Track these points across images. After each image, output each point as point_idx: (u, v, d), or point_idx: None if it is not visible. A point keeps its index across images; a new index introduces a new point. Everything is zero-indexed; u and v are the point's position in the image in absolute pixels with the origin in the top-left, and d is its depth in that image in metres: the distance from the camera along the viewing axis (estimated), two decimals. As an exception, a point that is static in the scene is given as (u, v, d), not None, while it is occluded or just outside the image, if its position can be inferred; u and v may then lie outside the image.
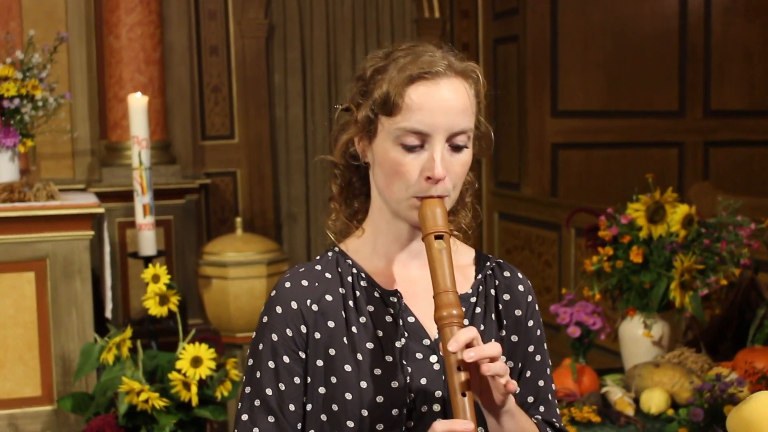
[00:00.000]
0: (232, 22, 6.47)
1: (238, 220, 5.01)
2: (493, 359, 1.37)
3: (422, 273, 1.52)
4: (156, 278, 3.51)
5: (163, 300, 3.47)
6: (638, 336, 3.32)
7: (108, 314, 4.38)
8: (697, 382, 3.05)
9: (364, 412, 1.48)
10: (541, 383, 1.63)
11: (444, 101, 1.47)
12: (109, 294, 4.44)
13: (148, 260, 4.44)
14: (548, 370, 1.65)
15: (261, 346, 1.54)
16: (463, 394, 1.35)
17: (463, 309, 1.56)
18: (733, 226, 3.31)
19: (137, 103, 4.39)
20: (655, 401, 3.05)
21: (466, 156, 1.51)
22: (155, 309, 3.46)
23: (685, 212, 3.25)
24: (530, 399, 1.62)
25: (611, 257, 3.33)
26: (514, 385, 1.37)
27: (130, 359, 3.36)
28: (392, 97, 1.47)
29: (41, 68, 4.28)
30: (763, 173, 6.73)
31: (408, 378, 1.50)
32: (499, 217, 6.77)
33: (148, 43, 5.73)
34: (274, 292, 1.56)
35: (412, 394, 1.50)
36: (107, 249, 4.52)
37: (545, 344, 1.66)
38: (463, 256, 1.65)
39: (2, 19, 5.74)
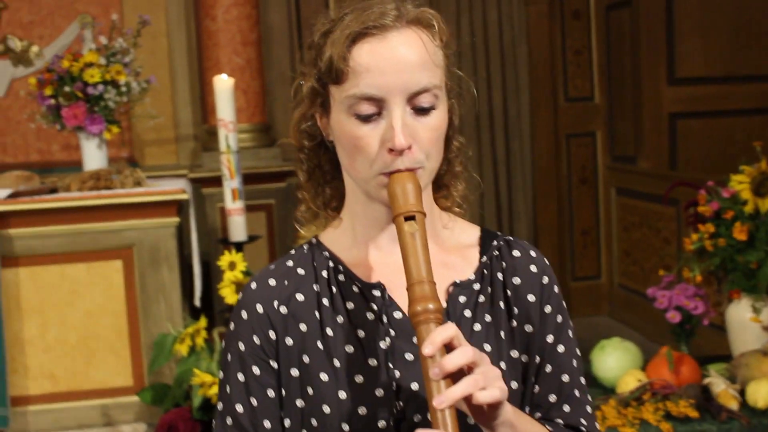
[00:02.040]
0: (331, -1, 6.32)
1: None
2: (471, 366, 1.16)
3: None
4: (232, 265, 3.40)
5: (240, 288, 3.36)
6: (746, 321, 3.02)
7: (197, 302, 4.32)
8: (811, 372, 2.74)
9: (345, 427, 1.30)
10: (565, 378, 1.40)
11: (395, 57, 1.26)
12: (197, 282, 4.38)
13: (239, 246, 4.34)
14: (575, 362, 1.42)
15: (229, 357, 1.37)
16: None
17: (464, 299, 1.36)
18: None
19: (223, 85, 4.29)
20: (762, 394, 2.75)
21: (435, 119, 1.30)
22: (231, 297, 3.35)
23: (795, 183, 2.93)
24: (552, 398, 1.40)
25: (713, 235, 3.03)
26: (487, 396, 1.15)
27: (206, 350, 3.27)
28: (335, 62, 1.27)
29: (125, 53, 4.23)
30: None
31: (395, 384, 1.31)
32: (616, 193, 6.44)
33: (245, 24, 5.64)
34: (240, 295, 1.39)
35: (401, 402, 1.30)
36: (194, 236, 4.45)
37: (570, 332, 1.43)
38: (465, 235, 1.44)
39: (103, 6, 5.76)
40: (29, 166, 5.58)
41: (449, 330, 1.16)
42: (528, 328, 1.39)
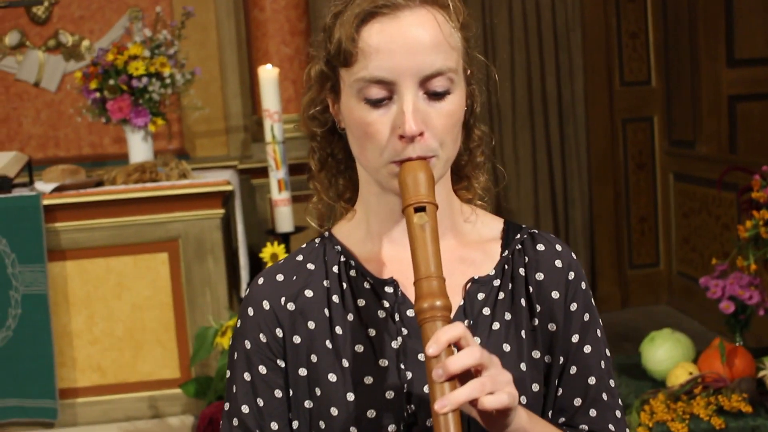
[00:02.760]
0: (381, -14, 6.23)
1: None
2: (479, 369, 1.08)
3: None
4: (274, 257, 3.37)
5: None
6: (804, 311, 2.90)
7: (243, 294, 4.29)
8: None
9: (353, 430, 1.23)
10: (591, 381, 1.31)
11: (407, 38, 1.19)
12: (244, 273, 4.35)
13: (286, 237, 4.31)
14: (603, 363, 1.33)
15: (236, 356, 1.32)
16: None
17: (483, 295, 1.29)
18: None
19: (267, 75, 4.25)
20: (820, 388, 2.64)
21: (451, 104, 1.22)
22: (273, 289, 3.31)
23: None
24: (577, 401, 1.31)
25: (768, 222, 2.91)
26: (494, 402, 1.07)
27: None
28: (344, 43, 1.20)
29: (169, 45, 4.21)
30: None
31: (406, 386, 1.23)
32: (674, 178, 6.28)
33: (293, 14, 5.59)
34: (248, 291, 1.33)
35: (412, 406, 1.23)
36: (240, 227, 4.42)
37: (599, 331, 1.34)
38: (488, 229, 1.36)
39: (153, -1, 5.76)
40: (82, 160, 5.61)
41: (456, 329, 1.09)
42: (552, 326, 1.31)
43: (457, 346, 1.09)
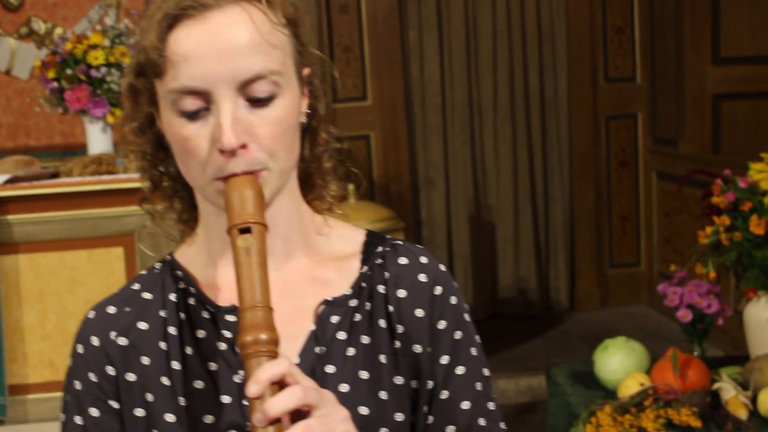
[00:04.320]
0: (361, -23, 6.13)
1: (351, 187, 4.68)
2: (308, 410, 0.98)
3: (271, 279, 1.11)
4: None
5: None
6: (764, 321, 2.79)
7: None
8: (828, 380, 2.51)
9: None
10: (465, 405, 1.20)
11: (218, 41, 1.07)
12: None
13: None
14: (479, 385, 1.22)
15: (68, 398, 1.21)
16: None
17: (337, 318, 1.18)
18: None
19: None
20: (774, 402, 2.53)
21: (278, 110, 1.10)
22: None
23: (816, 173, 2.69)
24: (450, 429, 1.20)
25: (729, 228, 2.80)
26: None
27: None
28: (150, 52, 1.09)
29: (131, 35, 4.11)
30: None
31: (248, 424, 1.14)
32: (657, 177, 6.17)
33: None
34: (79, 326, 1.23)
35: None
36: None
37: (474, 350, 1.23)
38: (345, 243, 1.25)
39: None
40: (53, 149, 5.53)
41: (279, 366, 0.98)
42: (417, 348, 1.20)
43: (282, 384, 0.99)
